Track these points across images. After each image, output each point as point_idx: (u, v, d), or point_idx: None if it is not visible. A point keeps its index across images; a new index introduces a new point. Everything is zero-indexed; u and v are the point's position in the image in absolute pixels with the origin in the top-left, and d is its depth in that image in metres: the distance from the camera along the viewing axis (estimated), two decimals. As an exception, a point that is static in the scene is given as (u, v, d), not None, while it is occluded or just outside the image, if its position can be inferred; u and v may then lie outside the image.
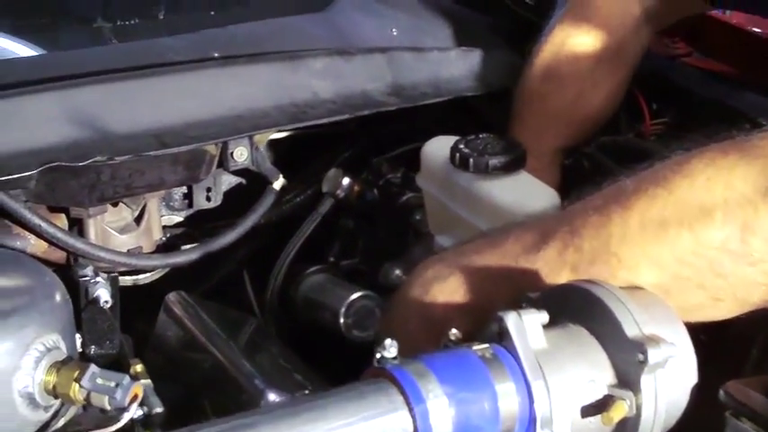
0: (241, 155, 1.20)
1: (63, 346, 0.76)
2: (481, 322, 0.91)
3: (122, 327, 1.00)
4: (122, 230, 1.18)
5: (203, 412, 1.05)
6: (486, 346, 0.80)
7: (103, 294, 0.94)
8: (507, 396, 0.78)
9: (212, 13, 1.40)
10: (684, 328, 0.84)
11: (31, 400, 0.73)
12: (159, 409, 0.77)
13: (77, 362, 0.74)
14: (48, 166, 1.04)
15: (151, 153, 1.08)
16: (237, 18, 1.36)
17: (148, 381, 0.80)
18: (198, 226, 1.32)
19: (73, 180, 1.09)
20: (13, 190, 1.07)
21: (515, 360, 0.79)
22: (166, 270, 1.24)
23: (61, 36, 1.34)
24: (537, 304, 0.86)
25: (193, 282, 1.32)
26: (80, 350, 0.81)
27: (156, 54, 1.21)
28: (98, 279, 0.97)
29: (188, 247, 1.24)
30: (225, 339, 1.09)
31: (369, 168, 1.33)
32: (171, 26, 1.33)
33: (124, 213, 1.19)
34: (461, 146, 1.11)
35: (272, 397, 0.96)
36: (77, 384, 0.72)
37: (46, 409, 0.75)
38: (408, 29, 1.40)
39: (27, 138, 1.07)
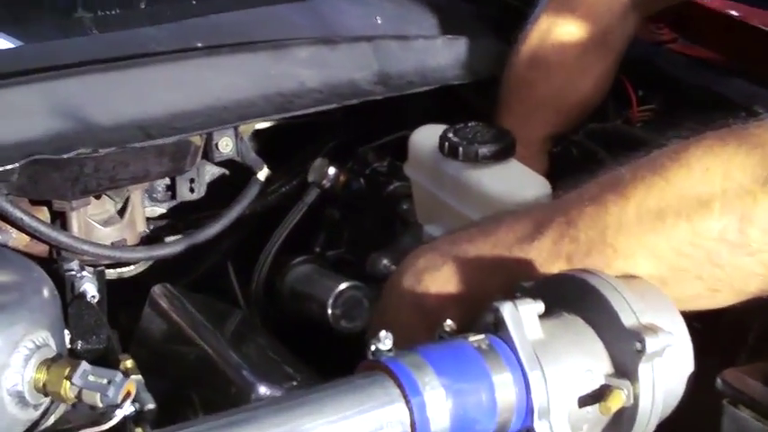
0: (226, 145, 1.18)
1: (52, 342, 0.74)
2: (475, 312, 0.90)
3: (107, 320, 0.98)
4: (106, 223, 1.17)
5: (191, 406, 1.04)
6: (482, 336, 0.79)
7: (90, 289, 0.93)
8: (504, 387, 0.77)
9: (194, 2, 1.38)
10: (680, 316, 0.84)
11: (20, 398, 0.72)
12: (151, 406, 0.75)
13: (68, 359, 0.72)
14: (30, 158, 1.02)
15: (136, 145, 1.06)
16: (220, 7, 1.34)
17: (139, 376, 0.78)
18: (181, 217, 1.30)
19: (56, 173, 1.07)
20: (-6, 183, 1.06)
21: (512, 350, 0.78)
22: (151, 262, 1.22)
23: (41, 27, 1.31)
24: (531, 294, 0.85)
25: (177, 274, 1.30)
26: (68, 346, 0.79)
27: (138, 44, 1.19)
28: (84, 273, 0.95)
29: (172, 238, 1.23)
30: (212, 332, 1.08)
31: (355, 158, 1.32)
32: (153, 16, 1.31)
33: (107, 206, 1.18)
34: (450, 134, 1.10)
35: (263, 390, 0.95)
36: (68, 382, 0.70)
37: (35, 407, 0.73)
38: (393, 17, 1.38)
39: (9, 130, 1.05)
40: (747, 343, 0.99)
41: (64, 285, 0.92)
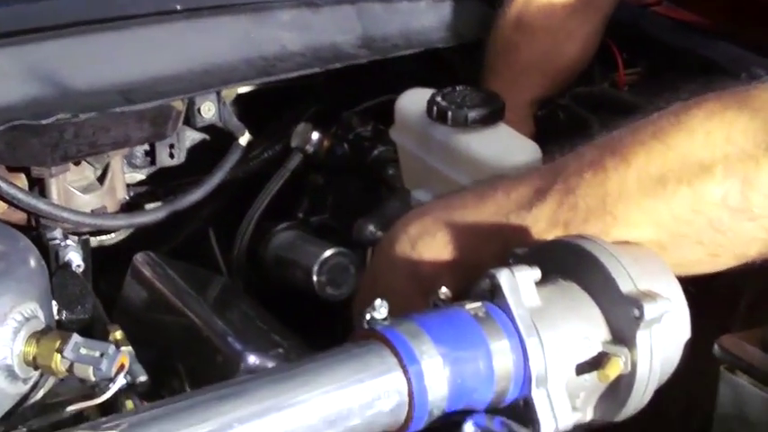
0: (208, 110, 1.16)
1: (41, 314, 0.72)
2: (469, 278, 0.88)
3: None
4: (85, 190, 1.14)
5: (177, 376, 1.02)
6: (479, 304, 0.78)
7: (75, 258, 0.90)
8: (502, 355, 0.76)
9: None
10: (677, 281, 0.83)
11: (9, 372, 0.69)
12: (143, 378, 0.73)
13: (58, 331, 0.70)
14: (9, 124, 0.99)
15: (116, 110, 1.04)
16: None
17: (129, 347, 0.76)
18: (161, 184, 1.28)
19: (34, 139, 1.04)
20: (-30, 150, 1.03)
21: (509, 318, 0.77)
22: (132, 230, 1.20)
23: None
24: (526, 260, 0.84)
25: (158, 241, 1.28)
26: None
27: (117, 6, 1.16)
28: (68, 242, 0.93)
29: (154, 205, 1.20)
30: (197, 300, 1.06)
31: (338, 122, 1.30)
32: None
33: (87, 172, 1.15)
34: (438, 99, 1.08)
35: (252, 359, 0.93)
36: (59, 355, 0.68)
37: (25, 381, 0.71)
38: (376, -22, 1.36)
39: (-16, 96, 1.02)
40: (741, 306, 0.98)
41: (48, 255, 0.90)
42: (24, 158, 1.07)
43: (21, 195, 1.06)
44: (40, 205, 1.07)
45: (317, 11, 1.24)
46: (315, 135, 1.26)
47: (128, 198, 1.22)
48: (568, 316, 0.79)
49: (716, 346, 0.84)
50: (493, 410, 0.77)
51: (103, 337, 0.83)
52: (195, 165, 1.28)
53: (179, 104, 1.13)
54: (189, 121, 1.18)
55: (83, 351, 0.67)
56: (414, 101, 1.13)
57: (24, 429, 0.68)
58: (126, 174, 1.24)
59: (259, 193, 1.27)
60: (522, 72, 1.26)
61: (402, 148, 1.15)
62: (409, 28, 1.27)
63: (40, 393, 0.72)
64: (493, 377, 0.75)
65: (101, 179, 1.16)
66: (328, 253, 1.18)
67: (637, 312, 0.77)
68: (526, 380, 0.76)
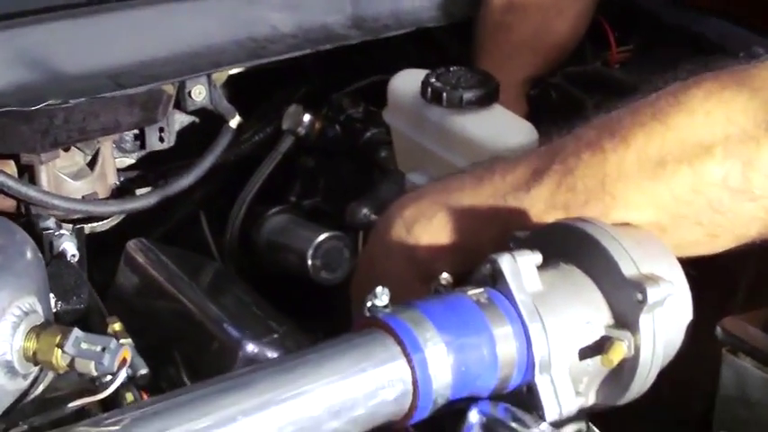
0: (199, 94, 1.15)
1: (39, 308, 0.70)
2: (468, 262, 0.88)
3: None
4: (76, 176, 1.13)
5: (173, 363, 1.01)
6: (481, 290, 0.77)
7: (70, 248, 0.89)
8: (505, 341, 0.75)
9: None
10: (678, 264, 0.82)
11: (9, 368, 0.68)
12: (144, 371, 0.72)
13: (58, 326, 0.69)
14: None
15: (107, 95, 1.02)
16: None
17: (129, 340, 0.75)
18: (152, 168, 1.26)
19: (24, 125, 1.03)
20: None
21: (511, 303, 0.76)
22: (123, 216, 1.19)
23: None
24: (526, 244, 0.83)
25: (149, 225, 1.27)
26: (51, 309, 0.76)
27: (105, -12, 1.14)
28: (62, 231, 0.91)
29: (145, 191, 1.19)
30: (192, 286, 1.05)
31: (329, 104, 1.28)
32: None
33: (77, 158, 1.14)
34: (433, 80, 1.06)
35: (251, 348, 0.92)
36: (60, 350, 0.67)
37: (25, 376, 0.70)
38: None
39: (-28, 82, 1.01)
40: (741, 288, 0.98)
41: (42, 245, 0.89)
42: (14, 145, 1.06)
43: (10, 183, 1.05)
44: (31, 192, 1.06)
45: (307, -9, 1.22)
46: (306, 117, 1.25)
47: (118, 183, 1.20)
48: (571, 300, 0.78)
49: (718, 329, 0.83)
50: (496, 397, 0.77)
51: (101, 328, 0.82)
52: (185, 148, 1.26)
53: (170, 88, 1.12)
54: (179, 104, 1.16)
55: (84, 346, 0.66)
56: (407, 82, 1.12)
57: (25, 426, 0.67)
58: (116, 158, 1.23)
59: (250, 176, 1.26)
60: (513, 51, 1.26)
61: (396, 130, 1.14)
62: (399, 8, 1.26)
63: (40, 388, 0.71)
64: (496, 364, 0.75)
65: (91, 165, 1.15)
66: (322, 237, 1.17)
67: (640, 296, 0.77)
68: (529, 366, 0.76)
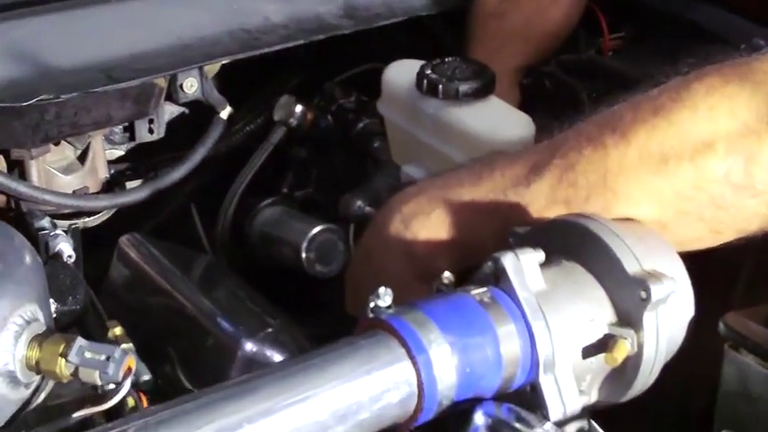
0: (191, 86, 1.13)
1: (41, 316, 0.69)
2: (466, 258, 0.87)
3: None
4: (66, 170, 1.11)
5: (169, 360, 1.01)
6: (484, 289, 0.76)
7: (66, 248, 0.87)
8: (509, 340, 0.75)
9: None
10: (680, 260, 0.82)
11: (11, 378, 0.67)
12: (147, 377, 0.71)
13: (61, 334, 0.67)
14: None
15: (99, 89, 1.01)
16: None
17: (131, 345, 0.74)
18: (142, 160, 1.25)
19: (15, 120, 1.01)
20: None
21: (514, 302, 0.76)
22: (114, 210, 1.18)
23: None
24: (526, 240, 0.83)
25: (141, 219, 1.26)
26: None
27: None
28: (58, 232, 0.90)
29: (136, 184, 1.18)
30: (188, 282, 1.04)
31: (321, 94, 1.27)
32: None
33: (67, 152, 1.12)
34: (428, 71, 1.05)
35: (249, 347, 0.91)
36: (64, 359, 0.66)
37: (27, 385, 0.69)
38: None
39: (-38, 78, 0.99)
40: (741, 281, 0.98)
41: (37, 245, 0.87)
42: (5, 141, 1.04)
43: (1, 178, 1.03)
44: (21, 188, 1.04)
45: (299, -20, 1.21)
46: (298, 108, 1.23)
47: (108, 176, 1.19)
48: (574, 298, 0.78)
49: (720, 325, 0.83)
50: (500, 397, 0.76)
51: (98, 328, 0.81)
52: (175, 139, 1.25)
53: (161, 81, 1.10)
54: (171, 96, 1.15)
55: (88, 355, 0.64)
56: (401, 73, 1.11)
57: (29, 436, 0.66)
58: (105, 150, 1.21)
59: (241, 167, 1.25)
60: (506, 40, 1.25)
61: (390, 122, 1.13)
62: (391, -4, 1.24)
63: (42, 396, 0.70)
64: (501, 363, 0.74)
65: (81, 159, 1.13)
66: (317, 229, 1.16)
67: (644, 294, 0.76)
68: (533, 365, 0.75)
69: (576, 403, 0.77)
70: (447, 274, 0.79)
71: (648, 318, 0.77)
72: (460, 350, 0.73)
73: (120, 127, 1.22)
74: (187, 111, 1.26)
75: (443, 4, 1.28)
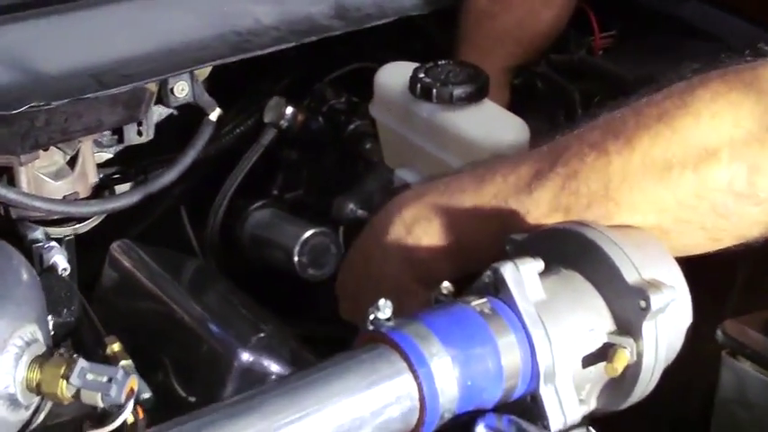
0: (182, 90, 1.12)
1: (41, 336, 0.68)
2: (467, 263, 0.87)
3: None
4: (56, 176, 1.10)
5: (162, 367, 1.00)
6: (484, 300, 0.76)
7: (61, 261, 0.86)
8: (510, 352, 0.74)
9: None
10: (678, 266, 0.82)
11: (12, 401, 0.66)
12: (147, 395, 0.71)
13: (62, 356, 0.66)
14: None
15: (90, 95, 0.99)
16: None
17: (130, 362, 0.73)
18: (131, 162, 1.24)
19: (4, 128, 1.00)
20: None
21: (515, 313, 0.76)
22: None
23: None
24: (523, 247, 0.83)
25: (130, 222, 1.25)
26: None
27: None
28: (52, 244, 0.88)
29: (127, 188, 1.16)
30: (180, 289, 1.03)
31: (311, 94, 1.26)
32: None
33: (56, 157, 1.10)
34: (422, 75, 1.05)
35: (246, 357, 0.91)
36: (65, 381, 0.65)
37: (27, 407, 0.68)
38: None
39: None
40: (737, 285, 0.98)
41: (31, 258, 0.86)
42: (-7, 148, 1.03)
43: None
44: (11, 195, 1.03)
45: (289, -19, 1.20)
46: (289, 110, 1.22)
47: (98, 180, 1.18)
48: (573, 308, 0.78)
49: (718, 332, 0.83)
50: (500, 407, 0.76)
51: (93, 340, 0.81)
52: (164, 141, 1.23)
53: (152, 86, 1.09)
54: (162, 101, 1.14)
55: (90, 377, 0.64)
56: (393, 76, 1.10)
57: (31, 459, 0.65)
58: (94, 153, 1.20)
59: (231, 170, 1.24)
60: (498, 40, 1.24)
61: (382, 125, 1.12)
62: (382, -5, 1.24)
63: (41, 417, 0.69)
64: (502, 375, 0.74)
65: (71, 164, 1.12)
66: (309, 233, 1.15)
67: (643, 303, 0.76)
68: (534, 375, 0.75)
69: (576, 413, 0.77)
70: (446, 284, 0.79)
71: (648, 327, 0.77)
72: (462, 363, 0.72)
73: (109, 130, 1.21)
74: (176, 112, 1.25)
75: (434, 3, 1.27)
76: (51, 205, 1.06)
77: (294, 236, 1.16)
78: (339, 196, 1.16)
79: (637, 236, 0.82)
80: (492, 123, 1.02)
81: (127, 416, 0.64)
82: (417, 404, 0.71)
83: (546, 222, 0.83)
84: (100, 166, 1.21)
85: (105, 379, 0.64)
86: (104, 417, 0.66)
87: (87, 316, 0.84)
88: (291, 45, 1.15)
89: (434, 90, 1.03)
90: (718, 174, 0.78)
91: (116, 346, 0.76)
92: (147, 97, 1.10)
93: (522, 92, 1.25)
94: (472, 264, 0.87)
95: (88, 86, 1.00)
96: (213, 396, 0.94)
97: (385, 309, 0.74)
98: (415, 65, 1.08)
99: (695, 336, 0.82)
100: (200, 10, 1.13)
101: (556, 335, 0.76)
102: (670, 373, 0.81)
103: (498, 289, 0.77)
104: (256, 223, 1.23)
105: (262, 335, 0.99)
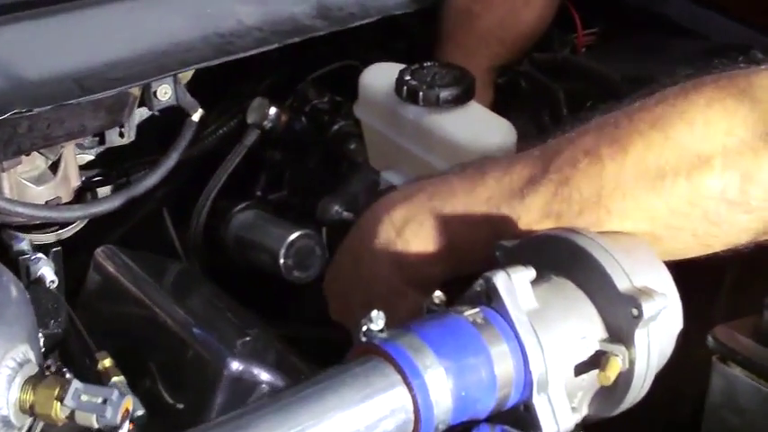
0: (165, 93, 1.11)
1: (32, 356, 0.67)
2: (457, 267, 0.87)
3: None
4: (38, 181, 1.09)
5: (149, 374, 0.99)
6: (477, 310, 0.76)
7: (48, 273, 0.85)
8: (503, 362, 0.74)
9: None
10: (669, 273, 0.82)
11: (5, 422, 0.65)
12: (140, 412, 0.70)
13: (55, 377, 0.65)
14: None
15: (73, 101, 0.98)
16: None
17: (122, 378, 0.72)
18: (113, 164, 1.22)
19: (-14, 135, 0.99)
20: None
21: (507, 322, 0.75)
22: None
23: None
24: (514, 253, 0.82)
25: (113, 225, 1.23)
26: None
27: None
28: (39, 255, 0.87)
29: (109, 192, 1.15)
30: (165, 295, 1.02)
31: (294, 94, 1.25)
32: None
33: (38, 162, 1.09)
34: (407, 77, 1.04)
35: (236, 365, 0.90)
36: (59, 403, 0.64)
37: (20, 429, 0.67)
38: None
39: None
40: (724, 288, 0.98)
41: (17, 269, 0.85)
42: (-25, 155, 1.02)
43: None
44: None
45: (271, -19, 1.18)
46: (272, 110, 1.21)
47: (80, 183, 1.17)
48: (565, 316, 0.78)
49: (709, 338, 0.83)
50: (493, 416, 0.76)
51: (80, 350, 0.80)
52: (146, 142, 1.22)
53: (135, 90, 1.08)
54: (145, 104, 1.12)
55: (84, 398, 0.63)
56: (378, 77, 1.09)
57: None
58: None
59: (214, 171, 1.23)
60: (480, 40, 1.24)
61: (368, 127, 1.12)
62: (364, -5, 1.23)
63: (34, 436, 0.69)
64: (495, 385, 0.74)
65: (53, 168, 1.11)
66: (294, 235, 1.14)
67: (635, 312, 0.76)
68: (527, 384, 0.75)
69: (568, 421, 0.77)
70: (438, 293, 0.78)
71: (640, 335, 0.77)
72: (456, 374, 0.72)
73: (91, 132, 1.20)
74: (157, 113, 1.23)
75: (418, 2, 1.27)
76: (34, 211, 1.05)
77: (279, 238, 1.15)
78: (324, 198, 1.15)
79: (627, 242, 0.82)
80: (478, 126, 1.02)
81: (122, 437, 0.64)
82: (412, 416, 0.70)
83: (537, 227, 0.83)
84: (81, 168, 1.20)
85: (100, 400, 0.63)
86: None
87: (74, 326, 0.82)
88: (275, 46, 1.14)
89: (420, 93, 1.02)
90: (711, 182, 0.78)
91: (107, 362, 0.75)
92: (130, 101, 1.08)
93: (506, 91, 1.25)
94: (463, 266, 0.87)
95: (71, 92, 0.99)
96: (201, 403, 0.94)
97: (378, 320, 0.74)
98: (400, 66, 1.07)
99: (685, 340, 0.82)
100: (183, 12, 1.11)
101: (548, 343, 0.76)
102: (661, 379, 0.81)
103: (490, 298, 0.76)
104: (240, 225, 1.22)
105: (247, 338, 0.99)
